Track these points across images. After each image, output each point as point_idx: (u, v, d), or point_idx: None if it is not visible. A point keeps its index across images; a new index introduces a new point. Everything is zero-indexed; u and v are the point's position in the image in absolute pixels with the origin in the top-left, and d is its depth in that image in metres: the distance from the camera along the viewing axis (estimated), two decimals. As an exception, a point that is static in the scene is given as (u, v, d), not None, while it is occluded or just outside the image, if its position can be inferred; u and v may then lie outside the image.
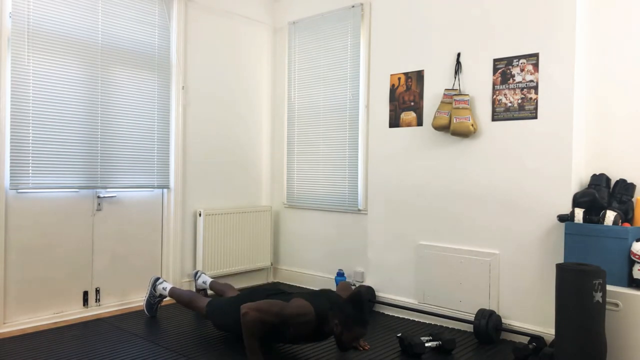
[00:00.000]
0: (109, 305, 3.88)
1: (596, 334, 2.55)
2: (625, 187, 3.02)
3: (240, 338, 3.19)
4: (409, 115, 3.87)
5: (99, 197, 3.84)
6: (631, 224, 2.95)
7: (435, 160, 3.72)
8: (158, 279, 3.67)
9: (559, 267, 2.66)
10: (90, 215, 3.80)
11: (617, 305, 2.72)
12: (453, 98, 3.50)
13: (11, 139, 3.35)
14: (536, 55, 3.25)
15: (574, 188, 3.15)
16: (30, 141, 3.43)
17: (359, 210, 4.39)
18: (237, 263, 4.65)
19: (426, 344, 3.05)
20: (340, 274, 4.36)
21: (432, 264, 3.71)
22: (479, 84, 3.50)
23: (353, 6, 4.44)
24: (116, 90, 3.88)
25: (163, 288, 3.62)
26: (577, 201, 3.04)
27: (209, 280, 3.82)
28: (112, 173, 3.86)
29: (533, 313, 3.26)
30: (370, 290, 3.98)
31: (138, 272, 4.09)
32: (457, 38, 3.61)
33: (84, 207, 3.76)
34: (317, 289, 4.39)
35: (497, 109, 3.42)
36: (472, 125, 3.43)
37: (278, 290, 3.13)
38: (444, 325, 3.64)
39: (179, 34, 4.28)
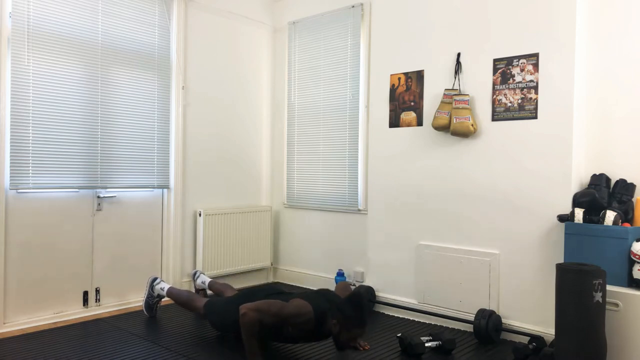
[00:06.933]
0: (109, 305, 3.88)
1: (596, 334, 2.55)
2: (625, 187, 3.02)
3: (238, 338, 3.19)
4: (409, 115, 3.87)
5: (99, 197, 3.84)
6: (631, 224, 2.95)
7: (435, 160, 3.72)
8: (156, 279, 3.67)
9: (559, 267, 2.66)
10: (90, 215, 3.80)
11: (617, 305, 2.72)
12: (453, 98, 3.50)
13: (11, 139, 3.35)
14: (536, 55, 3.25)
15: (574, 188, 3.15)
16: (30, 141, 3.43)
17: (359, 210, 4.39)
18: (237, 263, 4.65)
19: (426, 344, 3.05)
20: (340, 274, 4.36)
21: (432, 264, 3.71)
22: (479, 84, 3.50)
23: (353, 6, 4.44)
24: (116, 90, 3.88)
25: (161, 288, 3.62)
26: (577, 201, 3.04)
27: (207, 280, 3.82)
28: (112, 173, 3.86)
29: (533, 313, 3.26)
30: (370, 290, 3.98)
31: (138, 272, 4.09)
32: (457, 38, 3.61)
33: (84, 207, 3.76)
34: (316, 289, 4.38)
35: (497, 109, 3.42)
36: (472, 125, 3.43)
37: (277, 290, 3.12)
38: (444, 325, 3.64)
39: (179, 34, 4.28)
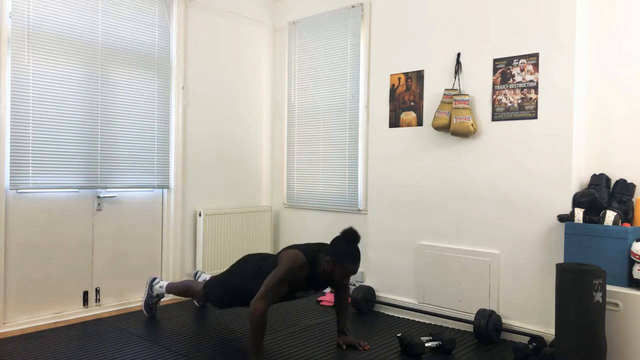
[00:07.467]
0: (109, 305, 3.88)
1: (596, 334, 2.55)
2: (625, 187, 3.02)
3: (244, 305, 3.12)
4: (409, 115, 3.87)
5: (99, 197, 3.84)
6: (631, 224, 2.95)
7: (435, 160, 3.72)
8: (155, 279, 3.67)
9: (559, 267, 2.66)
10: (90, 215, 3.80)
11: (617, 305, 2.72)
12: (453, 98, 3.50)
13: (11, 139, 3.35)
14: (536, 55, 3.25)
15: (574, 188, 3.15)
16: (30, 141, 3.43)
17: (359, 210, 4.39)
18: (237, 263, 4.65)
19: (426, 344, 3.05)
20: (340, 274, 4.36)
21: (432, 264, 3.71)
22: (479, 84, 3.50)
23: (353, 6, 4.44)
24: (116, 90, 3.88)
25: (160, 287, 3.63)
26: (577, 201, 3.04)
27: (209, 277, 3.83)
28: (112, 173, 3.86)
29: (533, 313, 3.26)
30: (370, 290, 3.98)
31: (138, 272, 4.09)
32: (457, 38, 3.61)
33: (84, 207, 3.76)
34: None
35: (497, 109, 3.42)
36: (472, 125, 3.43)
37: (266, 255, 3.18)
38: (444, 325, 3.64)
39: (179, 34, 4.28)
